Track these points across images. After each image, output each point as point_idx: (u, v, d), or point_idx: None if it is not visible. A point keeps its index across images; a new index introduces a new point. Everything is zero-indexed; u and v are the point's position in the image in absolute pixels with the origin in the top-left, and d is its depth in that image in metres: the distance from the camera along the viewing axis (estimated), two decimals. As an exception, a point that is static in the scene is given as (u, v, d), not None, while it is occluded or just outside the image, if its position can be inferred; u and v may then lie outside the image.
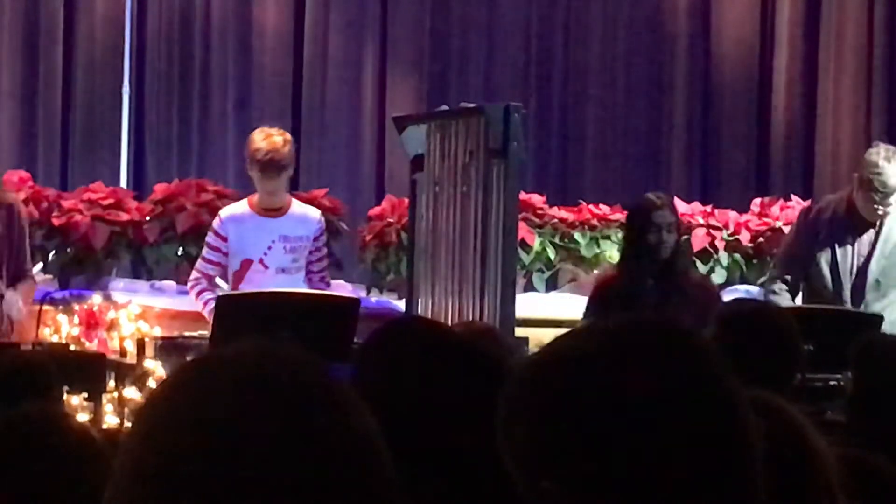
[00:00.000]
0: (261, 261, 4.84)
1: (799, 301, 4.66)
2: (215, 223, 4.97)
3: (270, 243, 4.88)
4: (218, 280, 4.98)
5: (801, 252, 4.63)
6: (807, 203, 5.42)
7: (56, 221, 5.11)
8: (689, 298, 4.26)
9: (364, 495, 0.89)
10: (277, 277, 4.91)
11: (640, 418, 0.98)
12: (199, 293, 4.89)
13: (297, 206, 5.01)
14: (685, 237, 5.25)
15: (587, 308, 4.52)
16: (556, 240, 5.90)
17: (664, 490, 0.98)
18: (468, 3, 6.80)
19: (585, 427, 1.01)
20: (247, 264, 4.90)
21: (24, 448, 1.69)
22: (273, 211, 4.86)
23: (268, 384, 0.88)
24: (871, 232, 4.58)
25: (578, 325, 3.74)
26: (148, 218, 5.30)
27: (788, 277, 4.63)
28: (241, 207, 4.97)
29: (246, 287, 4.79)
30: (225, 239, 4.90)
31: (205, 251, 4.99)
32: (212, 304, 4.74)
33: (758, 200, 5.99)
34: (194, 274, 4.97)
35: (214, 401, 0.86)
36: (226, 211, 5.00)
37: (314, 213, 5.06)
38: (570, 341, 1.08)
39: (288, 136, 4.88)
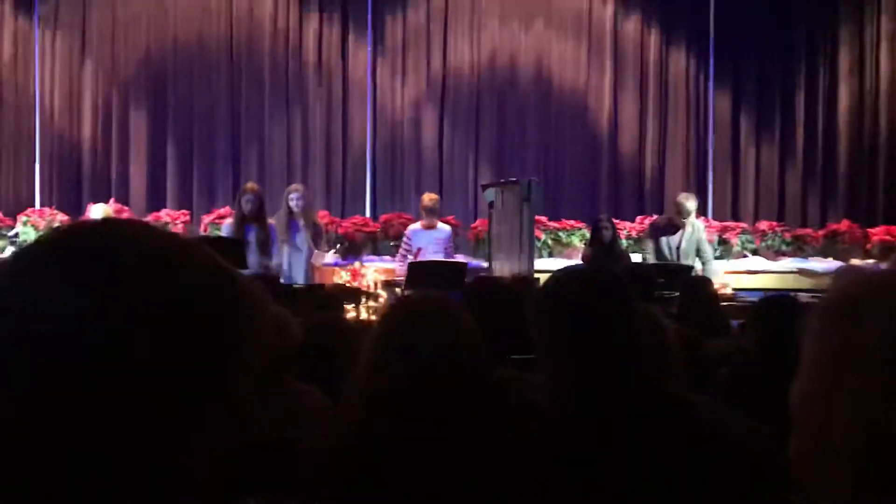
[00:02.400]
0: (426, 249, 8.51)
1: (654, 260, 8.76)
2: (406, 232, 8.75)
3: (430, 241, 8.60)
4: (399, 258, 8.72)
5: (652, 238, 8.84)
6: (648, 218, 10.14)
7: (340, 230, 10.27)
8: (615, 256, 8.38)
9: (470, 363, 1.61)
10: (432, 256, 8.43)
11: (578, 307, 1.74)
12: (400, 263, 8.52)
13: (441, 225, 8.73)
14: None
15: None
16: (551, 236, 10.65)
17: (585, 345, 1.70)
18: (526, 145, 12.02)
19: (552, 308, 1.79)
20: (419, 251, 8.53)
21: (328, 338, 2.99)
22: (431, 227, 8.64)
23: (429, 311, 1.61)
24: (681, 232, 8.67)
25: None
26: (379, 228, 10.35)
27: (649, 251, 8.79)
28: (417, 226, 8.76)
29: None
30: (410, 239, 8.59)
31: (402, 245, 8.75)
32: (404, 267, 8.08)
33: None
34: (398, 256, 8.74)
35: (408, 320, 1.59)
36: (410, 227, 8.82)
37: (447, 227, 8.83)
38: (556, 274, 1.85)
39: (436, 196, 8.95)
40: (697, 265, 8.64)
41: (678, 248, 8.66)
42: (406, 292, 8.09)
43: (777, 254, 10.87)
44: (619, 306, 1.82)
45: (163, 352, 0.72)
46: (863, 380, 0.90)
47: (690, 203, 8.65)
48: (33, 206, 10.83)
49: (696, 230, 8.74)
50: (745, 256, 10.89)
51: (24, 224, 10.13)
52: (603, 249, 8.19)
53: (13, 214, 10.44)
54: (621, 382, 1.76)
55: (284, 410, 2.62)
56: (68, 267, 0.72)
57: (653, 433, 1.67)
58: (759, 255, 10.90)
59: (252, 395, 0.80)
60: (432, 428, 1.65)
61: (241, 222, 7.56)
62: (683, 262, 8.55)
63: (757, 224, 11.30)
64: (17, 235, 10.15)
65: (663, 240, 8.71)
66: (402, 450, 1.65)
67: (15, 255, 0.76)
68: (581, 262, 8.35)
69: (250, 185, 7.95)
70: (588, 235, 9.69)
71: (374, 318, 8.04)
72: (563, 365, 1.80)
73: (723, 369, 3.59)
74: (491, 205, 9.03)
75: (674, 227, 8.69)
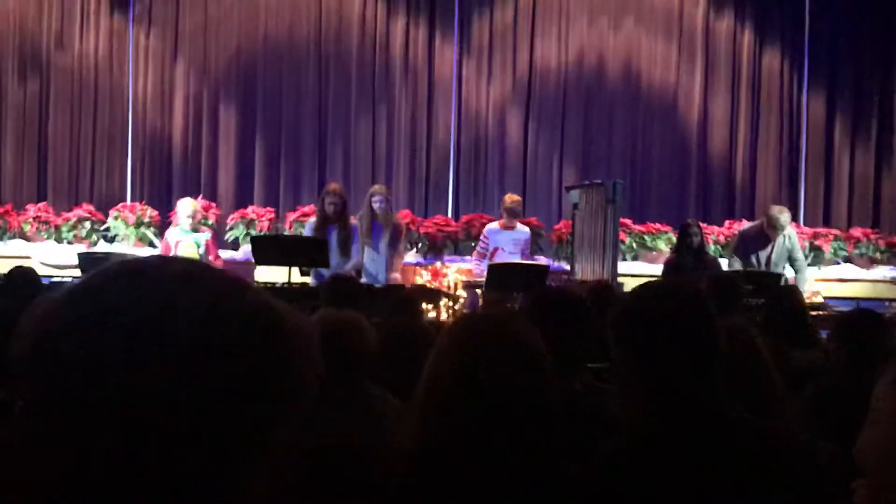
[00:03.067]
0: (502, 249, 8.72)
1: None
2: (484, 231, 8.97)
3: (508, 241, 8.75)
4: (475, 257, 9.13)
5: (741, 249, 8.53)
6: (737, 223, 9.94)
7: (422, 230, 10.29)
8: (707, 264, 7.99)
9: (538, 381, 1.65)
10: (508, 257, 8.60)
11: (658, 324, 1.75)
12: (477, 263, 8.84)
13: (520, 226, 8.88)
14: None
15: (663, 271, 8.18)
16: (635, 239, 10.47)
17: (672, 365, 1.70)
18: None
19: (634, 323, 1.82)
20: (496, 251, 8.73)
21: (403, 342, 3.09)
22: (510, 227, 8.80)
23: (490, 330, 1.69)
24: (772, 243, 8.41)
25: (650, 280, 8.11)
26: (460, 229, 10.33)
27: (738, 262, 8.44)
28: (495, 225, 8.90)
29: (494, 261, 8.36)
30: (487, 238, 8.81)
31: (479, 244, 8.95)
32: (481, 267, 8.50)
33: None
34: (474, 255, 9.00)
35: (468, 339, 1.68)
36: (489, 226, 8.96)
37: (525, 229, 8.93)
38: (636, 290, 1.91)
39: (518, 197, 9.06)
40: (789, 273, 8.46)
41: (768, 259, 8.45)
42: (484, 293, 8.16)
43: (871, 262, 10.59)
44: (698, 324, 1.80)
45: (217, 395, 0.77)
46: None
47: (784, 217, 8.37)
48: (124, 200, 11.11)
49: (789, 239, 8.51)
50: (837, 264, 10.66)
51: (115, 219, 10.39)
52: (690, 255, 7.99)
53: (105, 209, 10.71)
54: (691, 403, 1.73)
55: (359, 415, 2.65)
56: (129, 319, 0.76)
57: (709, 456, 1.66)
58: (852, 263, 10.64)
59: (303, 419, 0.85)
60: (490, 447, 1.66)
61: (324, 223, 7.66)
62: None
63: (850, 231, 10.99)
64: (108, 230, 10.45)
65: (753, 251, 8.49)
66: (460, 466, 1.65)
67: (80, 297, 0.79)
68: (665, 267, 8.21)
69: (333, 185, 8.04)
70: (674, 239, 9.54)
71: (452, 318, 8.30)
72: (637, 381, 1.78)
73: (809, 386, 3.51)
74: (575, 206, 9.03)
75: (764, 238, 8.45)
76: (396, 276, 8.07)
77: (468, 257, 9.63)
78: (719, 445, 1.72)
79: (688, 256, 8.06)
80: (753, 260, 8.45)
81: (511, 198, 9.03)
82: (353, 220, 7.91)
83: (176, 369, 0.74)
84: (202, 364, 0.75)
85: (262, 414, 0.79)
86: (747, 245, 8.56)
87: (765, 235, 8.50)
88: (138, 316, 0.75)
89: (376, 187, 8.34)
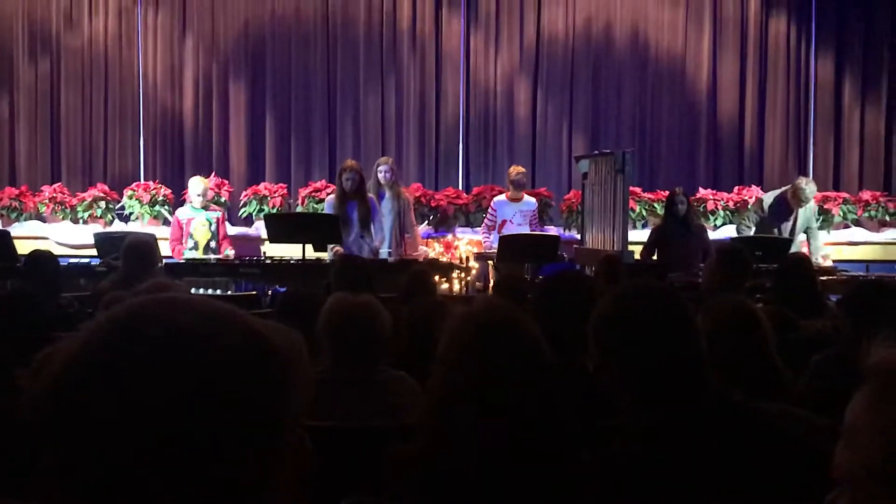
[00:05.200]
0: (510, 221, 8.91)
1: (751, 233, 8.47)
2: (492, 203, 9.13)
3: (515, 213, 8.96)
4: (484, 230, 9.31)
5: (772, 221, 8.53)
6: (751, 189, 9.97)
7: (433, 203, 10.24)
8: (693, 232, 8.06)
9: (537, 366, 1.73)
10: (516, 228, 8.73)
11: (640, 323, 1.84)
12: (486, 235, 9.00)
13: (526, 197, 9.04)
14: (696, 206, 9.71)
15: (649, 238, 8.28)
16: (645, 207, 10.47)
17: (650, 354, 1.78)
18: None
19: (615, 330, 1.89)
20: (504, 223, 8.94)
21: (424, 319, 3.17)
22: (516, 199, 8.96)
23: (495, 323, 1.77)
24: (794, 213, 8.47)
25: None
26: (471, 201, 10.37)
27: (751, 224, 8.57)
28: (502, 197, 9.10)
29: (503, 233, 8.51)
30: (495, 211, 8.98)
31: (487, 216, 9.11)
32: (490, 239, 8.77)
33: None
34: (483, 227, 9.12)
35: (476, 332, 1.75)
36: (496, 198, 9.13)
37: (533, 200, 9.09)
38: (617, 293, 1.98)
39: (523, 169, 9.19)
40: (801, 237, 8.51)
41: (792, 230, 8.54)
42: (496, 265, 8.23)
43: (880, 224, 10.59)
44: (675, 324, 1.88)
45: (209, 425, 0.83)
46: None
47: (810, 188, 8.43)
48: (138, 179, 11.19)
49: (809, 208, 8.61)
50: (846, 227, 10.64)
51: (130, 198, 10.46)
52: (677, 224, 8.05)
53: (119, 188, 10.79)
54: (685, 396, 1.80)
55: (376, 399, 2.72)
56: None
57: (711, 444, 1.73)
58: (862, 226, 10.62)
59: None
60: (502, 429, 1.73)
61: (343, 199, 7.72)
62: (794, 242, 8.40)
63: (860, 193, 10.97)
64: (122, 208, 10.52)
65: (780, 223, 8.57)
66: (475, 456, 1.72)
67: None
68: (651, 234, 8.29)
69: (349, 162, 8.09)
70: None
71: (465, 289, 8.26)
72: (627, 382, 1.86)
73: (816, 356, 3.55)
74: (584, 176, 9.08)
75: (787, 208, 8.52)
76: (423, 250, 8.36)
77: (479, 229, 9.66)
78: (720, 433, 1.78)
79: (674, 225, 8.10)
80: (776, 231, 8.52)
81: (516, 169, 9.13)
82: (371, 196, 7.97)
83: (181, 403, 0.81)
84: (203, 396, 0.82)
85: (261, 431, 0.85)
86: (779, 217, 8.58)
87: (788, 205, 8.55)
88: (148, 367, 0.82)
89: (382, 159, 8.49)
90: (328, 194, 8.89)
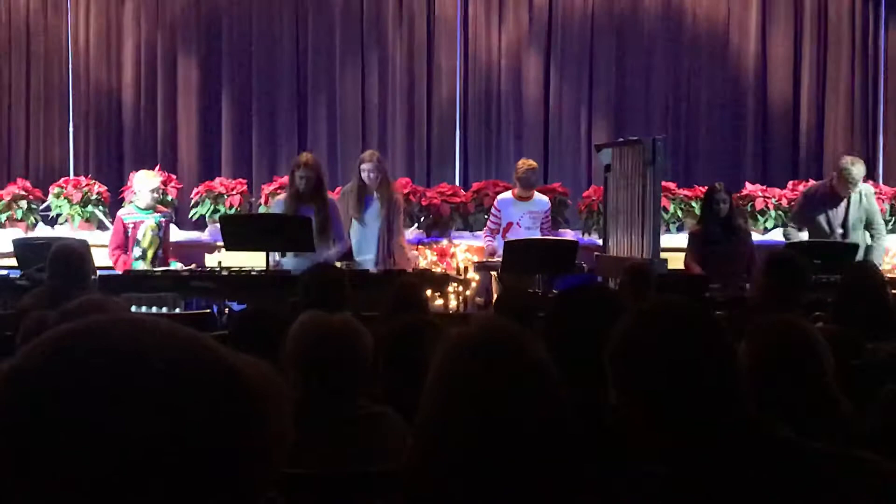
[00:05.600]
0: (517, 224, 8.79)
1: (805, 236, 8.46)
2: (495, 203, 8.98)
3: (523, 214, 8.80)
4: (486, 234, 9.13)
5: (807, 212, 8.57)
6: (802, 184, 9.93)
7: (424, 202, 10.14)
8: (738, 235, 8.11)
9: (545, 401, 1.74)
10: (524, 232, 8.59)
11: (663, 348, 1.86)
12: (489, 240, 8.86)
13: (537, 195, 8.98)
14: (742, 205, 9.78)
15: (688, 245, 8.25)
16: (681, 206, 10.46)
17: (671, 386, 1.82)
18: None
19: (630, 349, 1.94)
20: (509, 226, 8.80)
21: (411, 343, 3.14)
22: (524, 198, 8.84)
23: (497, 348, 1.78)
24: (845, 202, 8.40)
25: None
26: (470, 199, 10.27)
27: (796, 225, 8.57)
28: (508, 195, 8.98)
29: (509, 237, 8.33)
30: (499, 211, 8.84)
31: (490, 218, 8.96)
32: (493, 245, 8.61)
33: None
34: (485, 231, 9.02)
35: (472, 360, 1.76)
36: (500, 197, 9.02)
37: (545, 198, 9.01)
38: (639, 310, 2.05)
39: (534, 163, 9.15)
40: (866, 241, 8.50)
41: (843, 223, 8.51)
42: (500, 276, 8.24)
43: (963, 227, 10.62)
44: (706, 350, 1.90)
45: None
46: None
47: (857, 168, 8.39)
48: (67, 174, 11.16)
49: (866, 198, 8.54)
50: (923, 230, 10.65)
51: (57, 196, 10.43)
52: (718, 225, 8.12)
53: (44, 185, 10.75)
54: (712, 435, 1.83)
55: (355, 441, 2.73)
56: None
57: (749, 492, 1.76)
58: (942, 229, 10.65)
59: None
60: (502, 471, 1.73)
61: (296, 201, 7.60)
62: (849, 240, 8.41)
63: (939, 190, 11.01)
64: (48, 209, 10.49)
65: (821, 214, 8.53)
66: (470, 489, 1.74)
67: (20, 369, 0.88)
68: (689, 240, 8.33)
69: (306, 156, 7.91)
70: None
71: (463, 305, 8.25)
72: (640, 417, 1.88)
73: (888, 385, 3.56)
74: (607, 168, 9.07)
75: (835, 197, 8.49)
76: (410, 257, 8.30)
77: (479, 233, 9.69)
78: (761, 479, 1.79)
79: (715, 227, 8.15)
80: (824, 224, 8.50)
81: (525, 163, 9.15)
82: (332, 196, 7.94)
83: (144, 433, 0.84)
84: (167, 427, 0.85)
85: (231, 467, 0.88)
86: (814, 206, 8.60)
87: (835, 194, 8.54)
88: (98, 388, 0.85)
89: (366, 154, 8.33)
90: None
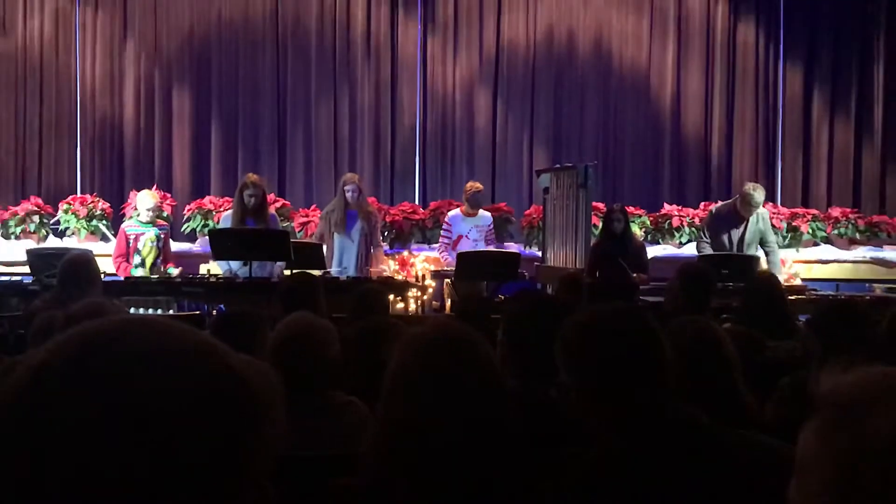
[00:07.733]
0: (466, 236, 9.00)
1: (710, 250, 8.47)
2: (446, 218, 9.21)
3: (470, 228, 9.05)
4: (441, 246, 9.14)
5: (712, 230, 8.59)
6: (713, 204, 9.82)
7: (388, 219, 10.20)
8: (630, 247, 8.13)
9: (491, 392, 1.78)
10: (472, 244, 8.87)
11: (614, 344, 1.90)
12: (445, 253, 9.05)
13: (482, 212, 9.16)
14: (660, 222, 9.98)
15: (589, 258, 8.14)
16: None
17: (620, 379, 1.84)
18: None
19: (582, 354, 1.93)
20: (459, 238, 9.01)
21: (375, 341, 3.17)
22: (471, 214, 9.06)
23: (446, 346, 1.81)
24: (745, 223, 8.45)
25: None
26: (428, 216, 10.39)
27: (709, 240, 8.55)
28: (457, 212, 9.18)
29: (460, 248, 8.61)
30: (450, 226, 9.08)
31: (442, 232, 9.20)
32: (447, 256, 8.83)
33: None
34: (440, 243, 9.25)
35: (426, 356, 1.79)
36: (451, 213, 9.22)
37: (488, 215, 9.18)
38: (580, 318, 2.01)
39: (480, 185, 9.23)
40: (760, 254, 8.53)
41: (741, 239, 8.54)
42: (454, 283, 8.23)
43: (850, 242, 10.74)
44: (644, 347, 1.91)
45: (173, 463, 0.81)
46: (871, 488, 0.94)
47: (759, 194, 8.44)
48: (74, 193, 11.06)
49: (761, 219, 8.59)
50: (815, 245, 10.76)
51: (66, 212, 10.33)
52: (614, 241, 8.14)
53: (54, 201, 10.65)
54: (654, 419, 1.83)
55: (329, 427, 2.71)
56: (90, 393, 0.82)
57: (678, 469, 1.77)
58: (831, 244, 10.76)
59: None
60: (450, 462, 1.73)
61: (242, 217, 7.69)
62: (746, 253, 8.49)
63: (829, 210, 11.12)
64: (58, 223, 10.38)
65: (725, 232, 8.56)
66: (421, 480, 1.74)
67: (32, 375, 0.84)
68: (590, 254, 8.28)
69: (253, 177, 7.99)
70: (648, 223, 9.83)
71: (421, 309, 8.29)
72: (596, 405, 1.87)
73: (784, 378, 3.58)
74: (546, 191, 9.12)
75: (738, 217, 8.53)
76: (382, 269, 8.22)
77: (436, 245, 9.70)
78: (684, 460, 1.80)
79: (609, 242, 8.18)
80: (725, 240, 8.52)
81: (472, 186, 9.27)
82: (272, 211, 8.03)
83: (151, 439, 0.80)
84: (173, 431, 0.81)
85: (233, 468, 0.84)
86: (719, 224, 8.63)
87: (738, 214, 8.58)
88: (109, 395, 0.81)
89: (348, 176, 8.52)
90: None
